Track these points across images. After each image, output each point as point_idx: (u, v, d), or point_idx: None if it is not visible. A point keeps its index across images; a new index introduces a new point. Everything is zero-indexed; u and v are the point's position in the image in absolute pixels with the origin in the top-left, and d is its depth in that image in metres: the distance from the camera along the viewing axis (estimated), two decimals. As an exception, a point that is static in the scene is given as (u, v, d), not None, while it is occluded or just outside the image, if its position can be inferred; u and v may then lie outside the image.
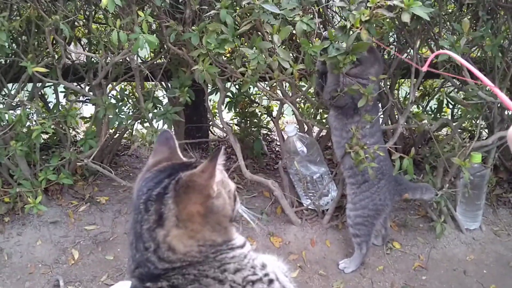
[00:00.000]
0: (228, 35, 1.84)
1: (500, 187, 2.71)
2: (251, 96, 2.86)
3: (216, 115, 2.53)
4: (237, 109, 2.85)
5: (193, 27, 1.95)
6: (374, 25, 1.70)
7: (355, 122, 2.01)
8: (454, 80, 2.38)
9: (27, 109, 2.30)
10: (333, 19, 2.40)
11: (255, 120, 2.90)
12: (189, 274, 0.77)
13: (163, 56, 2.49)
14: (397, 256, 2.26)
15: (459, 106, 2.77)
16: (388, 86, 2.52)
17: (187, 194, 0.77)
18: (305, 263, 2.19)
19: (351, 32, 1.69)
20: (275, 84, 2.26)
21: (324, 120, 2.59)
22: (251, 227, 2.33)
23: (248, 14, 1.86)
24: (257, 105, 2.52)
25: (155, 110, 2.33)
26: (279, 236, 2.34)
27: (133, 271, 0.81)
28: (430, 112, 2.84)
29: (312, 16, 1.82)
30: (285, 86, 2.47)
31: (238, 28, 1.87)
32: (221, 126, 2.40)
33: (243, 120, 2.95)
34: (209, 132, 3.24)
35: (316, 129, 2.69)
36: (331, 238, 2.34)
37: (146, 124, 2.35)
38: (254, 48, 1.82)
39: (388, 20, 1.92)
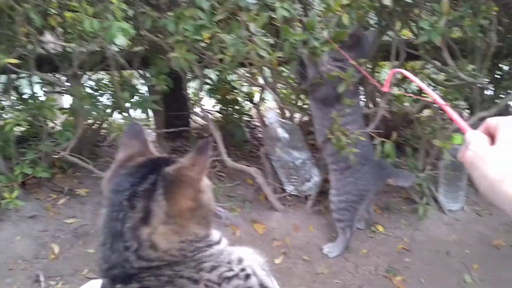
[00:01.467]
0: (205, 21, 1.80)
1: (481, 167, 2.72)
2: (232, 83, 2.82)
3: (196, 103, 2.48)
4: (218, 96, 2.81)
5: (169, 13, 1.90)
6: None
7: (336, 110, 1.99)
8: (435, 61, 2.38)
9: (2, 102, 2.25)
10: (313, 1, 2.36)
11: (237, 107, 2.87)
12: (163, 275, 0.74)
13: (140, 44, 2.43)
14: (380, 239, 2.27)
15: (440, 87, 2.77)
16: (370, 70, 2.51)
17: (179, 188, 0.75)
18: (288, 249, 2.18)
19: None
20: (255, 70, 2.23)
21: (305, 106, 2.57)
22: (234, 215, 2.32)
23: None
24: (237, 92, 2.50)
25: (133, 100, 2.28)
26: (262, 223, 2.32)
27: (105, 271, 0.78)
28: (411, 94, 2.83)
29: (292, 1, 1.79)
30: (266, 73, 2.44)
31: (215, 13, 1.82)
32: (201, 114, 2.36)
33: (224, 107, 2.91)
34: (190, 120, 3.19)
35: (298, 114, 2.67)
36: (314, 223, 2.34)
37: (126, 114, 2.31)
38: (233, 34, 1.79)
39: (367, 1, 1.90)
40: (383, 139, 2.00)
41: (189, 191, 0.75)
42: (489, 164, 0.56)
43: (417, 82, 0.72)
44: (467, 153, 0.60)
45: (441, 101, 0.67)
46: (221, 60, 1.89)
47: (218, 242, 0.82)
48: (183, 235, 0.76)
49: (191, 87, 2.82)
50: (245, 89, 2.85)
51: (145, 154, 0.86)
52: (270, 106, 3.32)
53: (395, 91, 2.87)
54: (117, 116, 2.57)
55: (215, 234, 0.83)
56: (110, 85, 2.57)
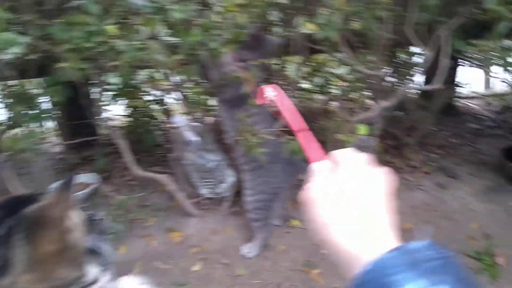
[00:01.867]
0: (96, 26, 1.70)
1: (388, 153, 2.83)
2: (139, 86, 2.72)
3: (100, 109, 2.37)
4: (125, 101, 2.70)
5: (58, 20, 1.78)
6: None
7: (243, 110, 1.98)
8: (338, 54, 2.43)
9: None
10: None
11: (147, 111, 2.78)
12: None
13: (35, 52, 2.27)
14: (297, 233, 2.29)
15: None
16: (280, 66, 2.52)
17: (40, 231, 0.68)
18: (207, 254, 2.15)
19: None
20: (158, 73, 2.16)
21: (215, 107, 2.54)
22: (148, 225, 2.25)
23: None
24: (143, 95, 2.41)
25: (30, 112, 2.13)
26: (178, 230, 2.27)
27: None
28: (318, 88, 2.89)
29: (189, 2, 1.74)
30: (172, 75, 2.37)
31: (106, 17, 1.73)
32: (105, 121, 2.26)
33: (134, 112, 2.81)
34: (97, 128, 3.05)
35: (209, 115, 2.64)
36: (231, 225, 2.32)
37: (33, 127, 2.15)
38: (127, 39, 1.71)
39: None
40: (289, 136, 2.01)
41: (52, 233, 0.69)
42: (317, 209, 0.53)
43: (276, 103, 0.66)
44: (302, 192, 0.55)
45: (297, 126, 0.62)
46: (117, 66, 1.81)
47: (95, 282, 0.76)
48: (50, 281, 0.69)
49: (96, 93, 2.69)
50: (154, 92, 2.77)
51: (6, 192, 0.77)
52: (178, 109, 3.27)
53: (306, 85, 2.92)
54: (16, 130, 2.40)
55: (92, 273, 0.77)
56: (4, 97, 2.40)
